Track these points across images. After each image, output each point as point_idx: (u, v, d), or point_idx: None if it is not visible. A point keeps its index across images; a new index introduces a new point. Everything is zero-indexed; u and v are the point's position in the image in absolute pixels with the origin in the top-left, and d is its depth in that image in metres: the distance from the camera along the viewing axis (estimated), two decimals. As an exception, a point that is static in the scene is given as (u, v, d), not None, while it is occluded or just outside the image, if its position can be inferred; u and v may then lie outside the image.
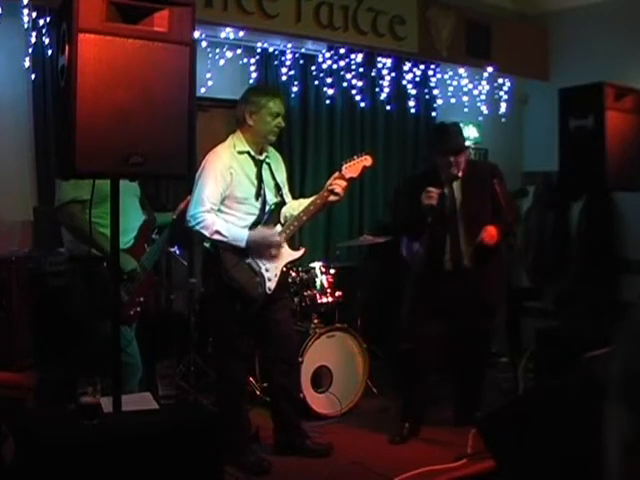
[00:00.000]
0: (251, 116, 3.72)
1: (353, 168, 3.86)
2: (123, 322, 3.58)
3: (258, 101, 3.73)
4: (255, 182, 3.77)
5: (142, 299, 3.71)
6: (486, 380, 4.56)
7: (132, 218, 3.70)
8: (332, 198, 3.82)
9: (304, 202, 3.92)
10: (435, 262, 4.22)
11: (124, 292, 3.61)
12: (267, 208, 3.80)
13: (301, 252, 3.98)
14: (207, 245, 3.77)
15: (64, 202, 3.48)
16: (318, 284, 4.85)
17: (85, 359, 3.46)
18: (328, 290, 4.85)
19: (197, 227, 3.64)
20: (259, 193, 3.77)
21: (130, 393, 3.16)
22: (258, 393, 4.66)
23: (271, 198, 3.82)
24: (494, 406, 2.69)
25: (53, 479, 2.30)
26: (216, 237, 3.65)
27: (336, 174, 3.85)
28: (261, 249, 3.74)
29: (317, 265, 4.92)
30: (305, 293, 4.84)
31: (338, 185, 3.80)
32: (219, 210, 3.70)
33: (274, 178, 3.86)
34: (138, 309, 3.68)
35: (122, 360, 3.39)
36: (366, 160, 3.90)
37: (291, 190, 4.21)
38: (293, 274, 4.84)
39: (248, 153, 3.77)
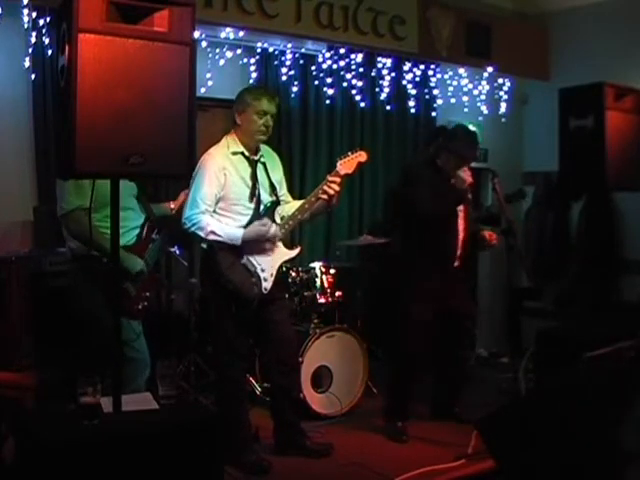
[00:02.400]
0: (239, 115, 3.76)
1: (348, 164, 3.87)
2: (132, 317, 3.59)
3: (244, 100, 3.76)
4: (249, 182, 3.77)
5: (148, 294, 3.72)
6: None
7: (133, 218, 3.70)
8: (324, 196, 3.80)
9: (300, 202, 3.93)
10: (444, 258, 4.29)
11: (132, 287, 3.62)
12: (262, 207, 3.81)
13: (297, 251, 3.98)
14: (204, 246, 3.78)
15: (69, 210, 3.47)
16: (318, 284, 4.85)
17: (89, 358, 3.45)
18: (328, 290, 4.85)
19: (192, 229, 3.66)
20: (253, 193, 3.77)
21: (137, 391, 3.17)
22: (258, 393, 4.66)
23: (266, 197, 3.83)
24: (494, 406, 2.69)
25: (53, 479, 2.30)
26: (211, 237, 3.66)
27: (331, 174, 3.84)
28: (257, 244, 3.74)
29: (317, 265, 4.92)
30: (305, 293, 4.84)
31: (333, 182, 3.79)
32: (214, 211, 3.71)
33: (269, 177, 3.86)
34: (145, 304, 3.69)
35: (129, 356, 3.42)
36: (361, 156, 3.90)
37: (291, 190, 4.21)
38: (293, 274, 4.85)
39: (242, 154, 3.78)
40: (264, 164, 3.86)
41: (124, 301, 3.51)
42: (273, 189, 3.87)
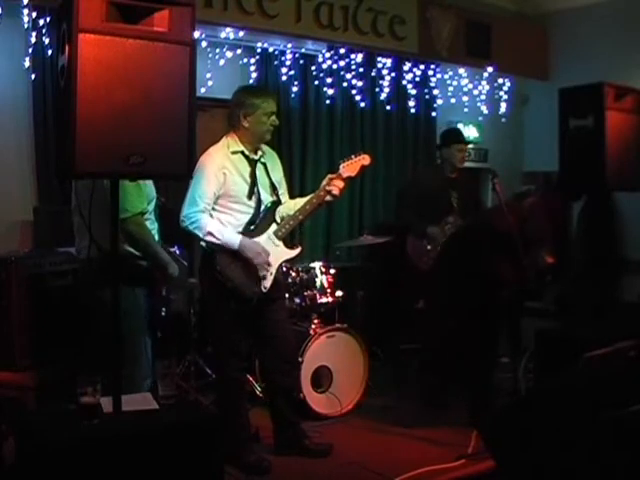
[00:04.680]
0: (246, 118, 3.73)
1: (351, 167, 3.88)
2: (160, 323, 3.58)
3: (252, 103, 3.73)
4: (249, 181, 3.77)
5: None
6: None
7: (156, 220, 3.70)
8: (329, 198, 3.84)
9: (300, 201, 3.93)
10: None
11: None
12: (262, 207, 3.81)
13: (297, 251, 3.97)
14: (203, 245, 3.78)
15: (134, 213, 3.43)
16: (318, 284, 4.85)
17: (102, 358, 3.43)
18: (328, 290, 4.85)
19: (191, 227, 3.66)
20: (252, 192, 3.77)
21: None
22: (258, 393, 4.66)
23: (266, 197, 3.83)
24: (494, 406, 2.69)
25: (53, 479, 2.30)
26: (209, 238, 3.66)
27: (333, 175, 3.86)
28: (250, 257, 3.73)
29: (317, 265, 4.92)
30: (305, 293, 4.83)
31: (336, 186, 3.81)
32: (213, 209, 3.71)
33: (269, 177, 3.86)
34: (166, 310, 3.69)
35: (139, 363, 3.40)
36: (364, 159, 3.91)
37: (291, 189, 4.22)
38: (293, 274, 4.85)
39: (242, 153, 3.78)
40: (264, 164, 3.86)
41: (158, 307, 3.50)
42: (274, 189, 3.87)
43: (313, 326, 4.78)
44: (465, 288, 4.27)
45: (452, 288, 4.32)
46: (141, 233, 3.41)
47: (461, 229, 4.52)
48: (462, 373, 4.55)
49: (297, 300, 4.83)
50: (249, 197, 3.76)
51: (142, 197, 3.35)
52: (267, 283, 3.78)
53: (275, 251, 3.82)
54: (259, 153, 3.85)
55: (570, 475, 2.19)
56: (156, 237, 3.65)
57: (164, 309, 3.64)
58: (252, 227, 3.79)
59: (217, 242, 3.67)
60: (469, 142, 4.75)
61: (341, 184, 3.83)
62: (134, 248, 3.44)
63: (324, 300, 4.84)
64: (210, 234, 3.65)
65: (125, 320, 3.42)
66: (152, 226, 3.58)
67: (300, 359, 4.47)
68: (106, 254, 3.47)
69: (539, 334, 4.00)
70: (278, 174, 3.95)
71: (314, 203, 3.85)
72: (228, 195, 3.72)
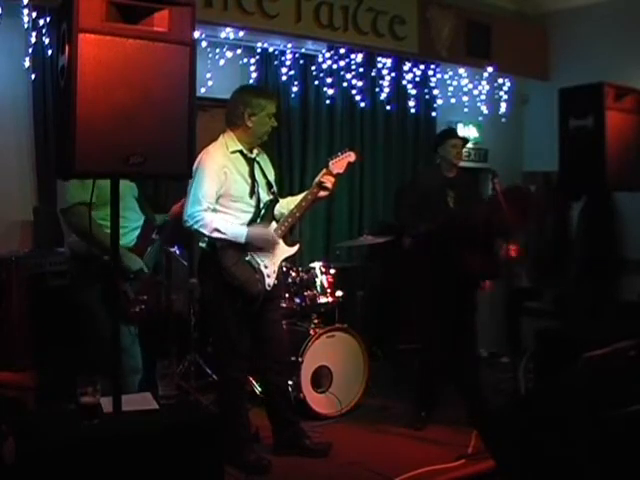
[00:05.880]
0: (250, 117, 3.75)
1: (339, 164, 3.97)
2: (128, 321, 3.57)
3: (258, 103, 3.76)
4: (249, 180, 3.78)
5: (145, 297, 3.69)
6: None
7: (134, 218, 3.69)
8: (322, 193, 3.92)
9: (292, 200, 3.98)
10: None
11: (130, 289, 3.60)
12: (261, 205, 3.82)
13: (296, 248, 4.01)
14: (203, 245, 3.78)
15: (72, 204, 3.46)
16: (318, 284, 4.85)
17: (86, 359, 3.44)
18: (328, 290, 4.86)
19: (195, 226, 3.65)
20: (253, 191, 3.79)
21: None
22: (258, 393, 4.66)
23: (264, 196, 3.85)
24: (491, 406, 2.69)
25: (53, 479, 2.30)
26: (215, 234, 3.66)
27: (324, 170, 3.94)
28: (260, 246, 3.76)
29: (317, 265, 4.92)
30: (305, 293, 4.84)
31: (328, 181, 3.88)
32: (214, 210, 3.71)
33: (265, 176, 3.88)
34: (143, 307, 3.67)
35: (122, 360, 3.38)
36: (350, 156, 4.00)
37: (291, 189, 4.23)
38: (293, 274, 4.85)
39: (240, 152, 3.79)
40: (259, 163, 3.89)
41: (122, 304, 3.50)
42: (270, 187, 3.89)
43: (313, 326, 4.78)
44: (439, 283, 4.31)
45: (427, 283, 4.38)
46: (80, 224, 3.43)
47: (435, 225, 4.54)
48: (451, 372, 4.57)
49: (297, 300, 4.84)
50: (250, 196, 3.78)
51: (85, 189, 3.26)
52: (271, 281, 3.80)
53: (276, 248, 3.84)
54: (254, 152, 3.86)
55: (570, 475, 2.19)
56: (134, 234, 3.65)
57: (137, 309, 3.60)
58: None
59: (223, 237, 3.67)
60: (462, 138, 4.75)
61: (332, 179, 3.90)
62: (80, 238, 3.45)
63: (324, 300, 4.84)
64: (216, 230, 3.65)
65: (91, 317, 3.46)
66: (126, 224, 3.57)
67: (300, 359, 4.47)
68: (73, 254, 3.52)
69: (539, 334, 4.01)
70: (271, 174, 3.98)
71: (309, 200, 3.90)
72: (229, 194, 3.73)
